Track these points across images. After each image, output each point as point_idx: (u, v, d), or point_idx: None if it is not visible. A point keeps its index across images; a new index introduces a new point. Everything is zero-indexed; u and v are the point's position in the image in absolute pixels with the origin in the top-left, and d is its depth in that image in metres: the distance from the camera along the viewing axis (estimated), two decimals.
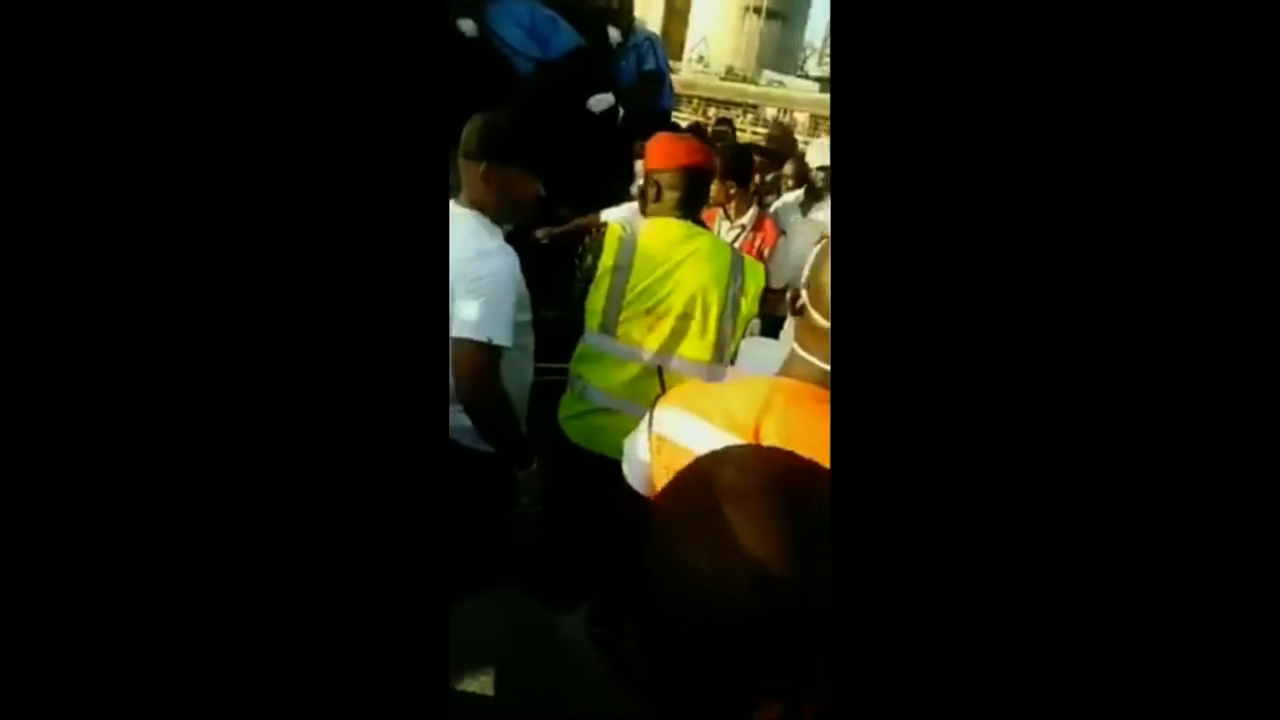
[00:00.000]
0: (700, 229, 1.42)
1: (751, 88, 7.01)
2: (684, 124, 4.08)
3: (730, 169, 1.91)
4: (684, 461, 0.48)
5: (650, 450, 0.74)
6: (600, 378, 1.38)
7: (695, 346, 1.35)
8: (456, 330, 1.17)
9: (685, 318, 1.35)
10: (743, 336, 1.40)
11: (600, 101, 2.57)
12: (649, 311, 1.35)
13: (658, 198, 1.41)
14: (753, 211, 2.01)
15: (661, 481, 0.66)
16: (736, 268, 1.37)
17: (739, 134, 5.09)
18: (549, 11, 2.51)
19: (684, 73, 7.01)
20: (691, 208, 1.42)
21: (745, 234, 2.00)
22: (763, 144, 4.03)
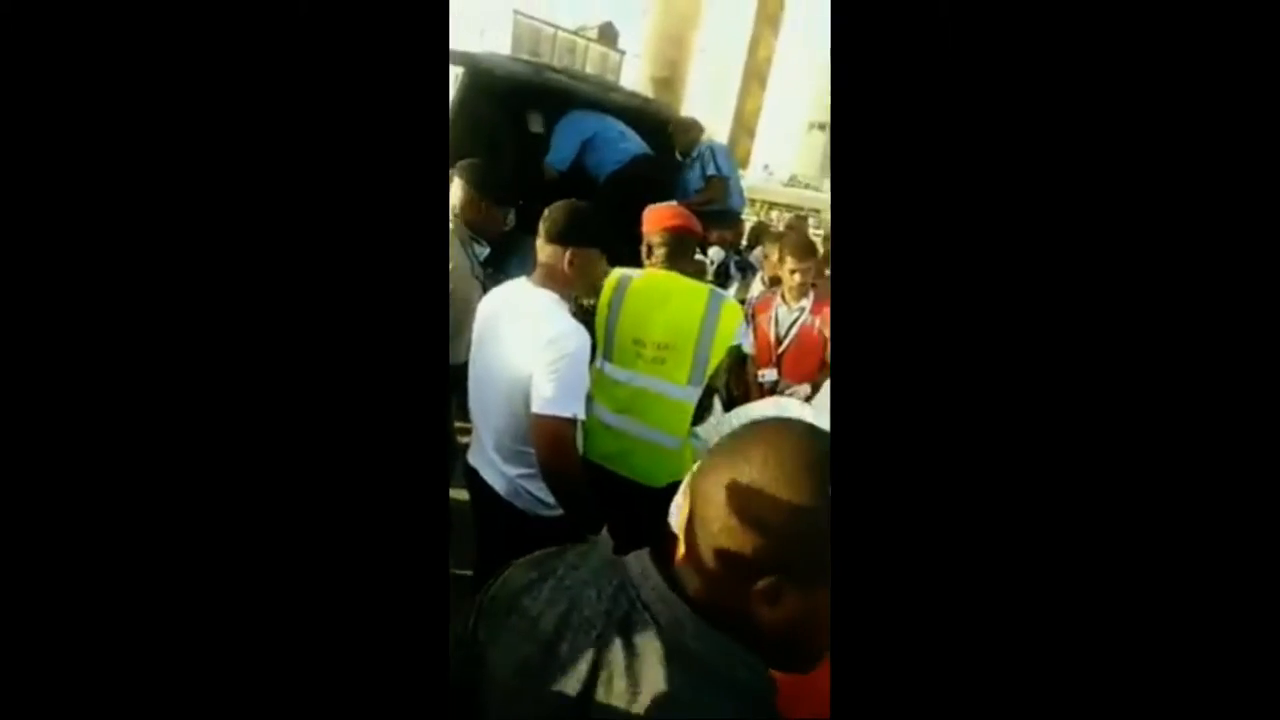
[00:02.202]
0: (683, 278, 1.66)
1: (812, 193, 7.35)
2: (750, 222, 4.34)
3: (796, 254, 2.10)
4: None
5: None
6: (601, 396, 1.62)
7: (674, 373, 1.58)
8: (539, 408, 1.23)
9: (666, 348, 1.58)
10: (726, 368, 1.61)
11: None
12: (636, 341, 1.59)
13: (649, 254, 1.68)
14: (811, 296, 2.14)
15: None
16: (713, 307, 1.58)
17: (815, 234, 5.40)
18: (620, 127, 2.74)
19: (750, 179, 7.45)
20: (677, 260, 1.68)
21: (804, 315, 2.12)
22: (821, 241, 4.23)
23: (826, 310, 2.18)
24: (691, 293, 1.61)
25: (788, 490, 0.49)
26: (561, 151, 2.65)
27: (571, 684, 0.51)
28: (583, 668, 0.51)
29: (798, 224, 3.57)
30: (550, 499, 1.40)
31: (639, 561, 0.56)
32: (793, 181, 7.75)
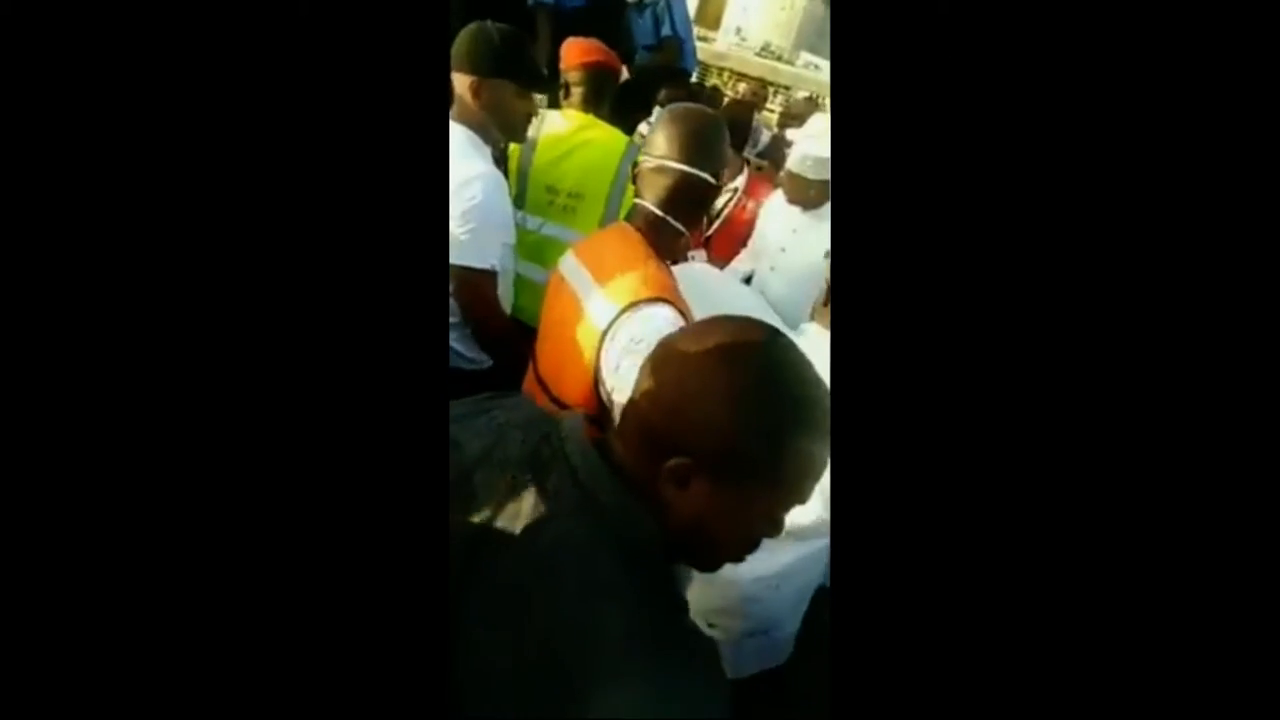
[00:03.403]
0: (601, 123, 1.57)
1: (785, 68, 6.87)
2: (708, 85, 4.03)
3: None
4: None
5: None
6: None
7: (585, 221, 1.52)
8: (454, 258, 1.17)
9: (577, 196, 1.51)
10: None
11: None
12: (548, 189, 1.51)
13: (567, 94, 1.57)
14: (744, 175, 2.02)
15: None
16: (629, 155, 1.50)
17: (769, 113, 5.04)
18: None
19: (719, 43, 6.86)
20: (595, 102, 1.57)
21: (737, 196, 2.01)
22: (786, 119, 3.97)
23: (760, 191, 2.07)
24: (608, 140, 1.51)
25: (725, 384, 0.51)
26: None
27: (477, 512, 0.54)
28: (491, 500, 0.54)
29: (740, 108, 3.22)
30: (469, 353, 1.40)
31: (572, 419, 0.60)
32: (765, 51, 7.21)
